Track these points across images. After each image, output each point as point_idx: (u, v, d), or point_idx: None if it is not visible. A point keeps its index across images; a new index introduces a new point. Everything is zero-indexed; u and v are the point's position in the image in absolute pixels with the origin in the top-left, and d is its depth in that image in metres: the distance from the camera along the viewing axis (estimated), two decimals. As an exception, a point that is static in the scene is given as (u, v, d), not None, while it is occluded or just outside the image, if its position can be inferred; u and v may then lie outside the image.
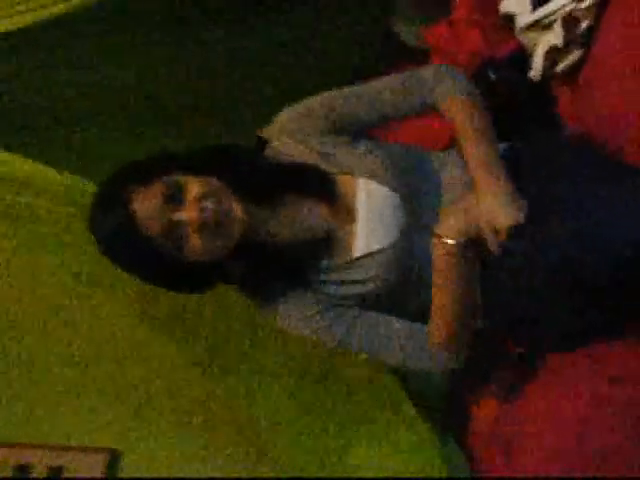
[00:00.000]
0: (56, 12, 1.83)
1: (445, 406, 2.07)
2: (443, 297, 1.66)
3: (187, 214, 1.61)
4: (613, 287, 1.57)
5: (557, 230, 1.60)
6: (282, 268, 1.73)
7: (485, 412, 1.89)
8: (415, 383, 2.04)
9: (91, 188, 1.81)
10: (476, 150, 1.67)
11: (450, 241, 1.62)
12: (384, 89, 1.75)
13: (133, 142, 2.23)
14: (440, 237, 1.63)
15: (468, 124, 1.70)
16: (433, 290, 1.67)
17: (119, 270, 1.72)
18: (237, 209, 1.64)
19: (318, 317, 1.73)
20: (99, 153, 2.14)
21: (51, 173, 1.86)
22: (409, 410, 1.94)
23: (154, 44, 2.16)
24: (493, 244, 1.61)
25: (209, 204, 1.62)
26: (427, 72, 1.75)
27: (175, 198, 1.63)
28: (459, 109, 1.71)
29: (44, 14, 1.82)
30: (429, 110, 1.76)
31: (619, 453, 1.56)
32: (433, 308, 1.68)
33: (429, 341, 1.70)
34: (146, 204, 1.62)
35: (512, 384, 1.82)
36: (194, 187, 1.63)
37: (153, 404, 2.48)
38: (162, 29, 2.15)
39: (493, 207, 1.60)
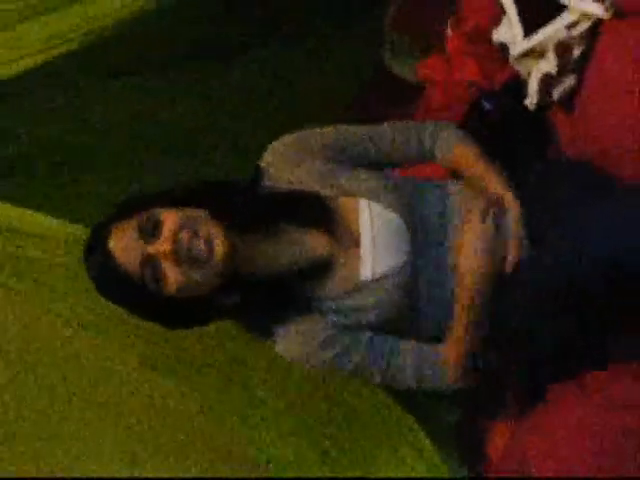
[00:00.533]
0: (43, 59, 1.83)
1: (455, 436, 2.04)
2: (465, 324, 1.66)
3: (159, 246, 1.58)
4: (612, 294, 1.58)
5: (557, 246, 1.61)
6: (283, 298, 1.70)
7: (495, 441, 1.87)
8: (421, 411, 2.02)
9: (80, 233, 1.82)
10: (494, 174, 1.72)
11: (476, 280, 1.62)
12: (385, 131, 1.78)
13: (129, 185, 2.23)
14: (465, 275, 1.63)
15: (479, 159, 1.74)
16: (456, 315, 1.67)
17: (119, 312, 1.71)
18: (219, 239, 1.60)
19: (328, 346, 1.69)
20: (96, 199, 2.15)
21: (48, 222, 1.86)
22: (422, 440, 1.90)
23: (148, 84, 2.17)
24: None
25: (185, 235, 1.59)
26: (428, 123, 1.80)
27: (151, 232, 1.60)
28: (467, 150, 1.76)
29: (31, 62, 1.83)
30: (426, 159, 1.79)
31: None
32: (454, 331, 1.68)
33: (444, 361, 1.69)
34: (121, 240, 1.60)
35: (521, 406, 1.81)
36: (171, 219, 1.60)
37: (150, 437, 2.48)
38: (159, 68, 2.17)
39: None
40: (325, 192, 1.73)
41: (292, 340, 1.70)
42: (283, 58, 2.36)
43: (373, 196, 1.71)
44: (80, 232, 1.85)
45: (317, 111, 2.43)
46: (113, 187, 2.22)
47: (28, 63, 1.86)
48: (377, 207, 1.70)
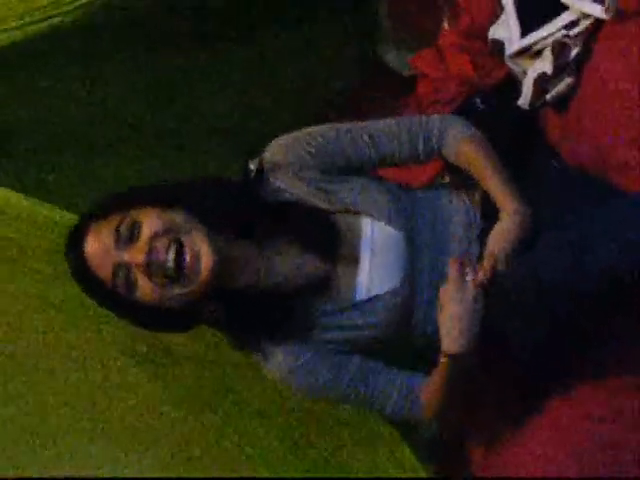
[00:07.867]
0: (29, 33, 1.78)
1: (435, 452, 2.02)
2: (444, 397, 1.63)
3: (132, 255, 1.51)
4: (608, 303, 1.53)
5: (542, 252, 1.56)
6: (274, 314, 1.64)
7: (474, 458, 1.85)
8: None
9: (67, 218, 1.76)
10: (500, 180, 1.64)
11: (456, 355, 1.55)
12: (390, 127, 1.68)
13: (112, 169, 2.20)
14: (448, 355, 1.55)
15: (487, 160, 1.66)
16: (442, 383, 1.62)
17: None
18: (205, 250, 1.53)
19: (315, 374, 1.65)
20: (76, 181, 2.11)
21: (24, 202, 1.81)
22: (404, 451, 1.87)
23: (129, 69, 2.13)
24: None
25: (161, 244, 1.51)
26: (434, 118, 1.71)
27: (129, 236, 1.52)
28: (475, 149, 1.66)
29: (12, 37, 1.78)
30: (433, 157, 1.71)
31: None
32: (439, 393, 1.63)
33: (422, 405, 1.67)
34: (96, 243, 1.54)
35: (495, 429, 1.78)
36: (150, 223, 1.52)
37: (139, 441, 2.45)
38: (139, 53, 2.12)
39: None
40: (325, 206, 1.65)
41: (279, 363, 1.65)
42: (275, 47, 2.32)
43: (375, 213, 1.64)
44: (57, 214, 1.80)
45: (307, 102, 2.40)
46: (95, 171, 2.18)
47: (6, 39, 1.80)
48: (379, 224, 1.64)
